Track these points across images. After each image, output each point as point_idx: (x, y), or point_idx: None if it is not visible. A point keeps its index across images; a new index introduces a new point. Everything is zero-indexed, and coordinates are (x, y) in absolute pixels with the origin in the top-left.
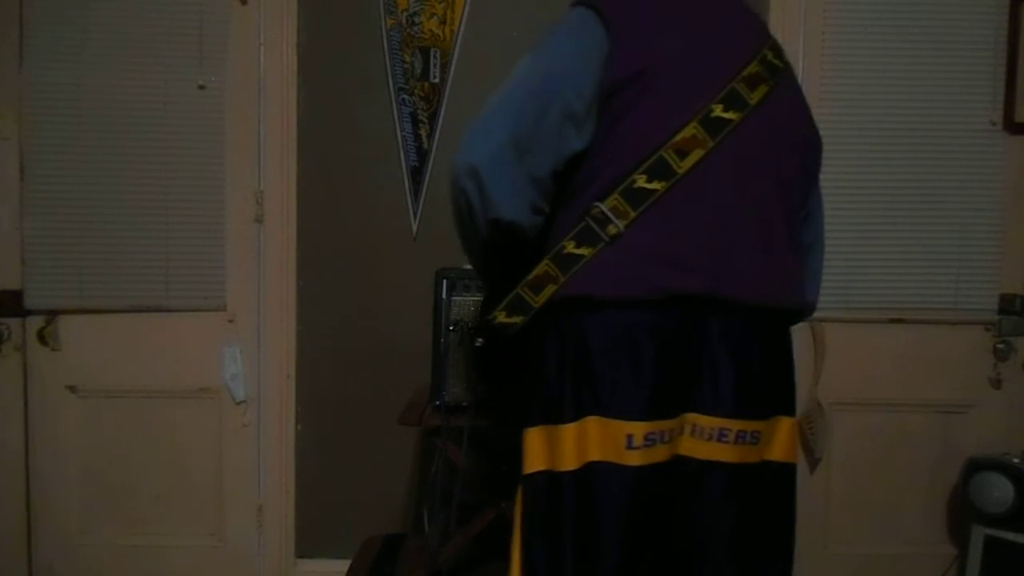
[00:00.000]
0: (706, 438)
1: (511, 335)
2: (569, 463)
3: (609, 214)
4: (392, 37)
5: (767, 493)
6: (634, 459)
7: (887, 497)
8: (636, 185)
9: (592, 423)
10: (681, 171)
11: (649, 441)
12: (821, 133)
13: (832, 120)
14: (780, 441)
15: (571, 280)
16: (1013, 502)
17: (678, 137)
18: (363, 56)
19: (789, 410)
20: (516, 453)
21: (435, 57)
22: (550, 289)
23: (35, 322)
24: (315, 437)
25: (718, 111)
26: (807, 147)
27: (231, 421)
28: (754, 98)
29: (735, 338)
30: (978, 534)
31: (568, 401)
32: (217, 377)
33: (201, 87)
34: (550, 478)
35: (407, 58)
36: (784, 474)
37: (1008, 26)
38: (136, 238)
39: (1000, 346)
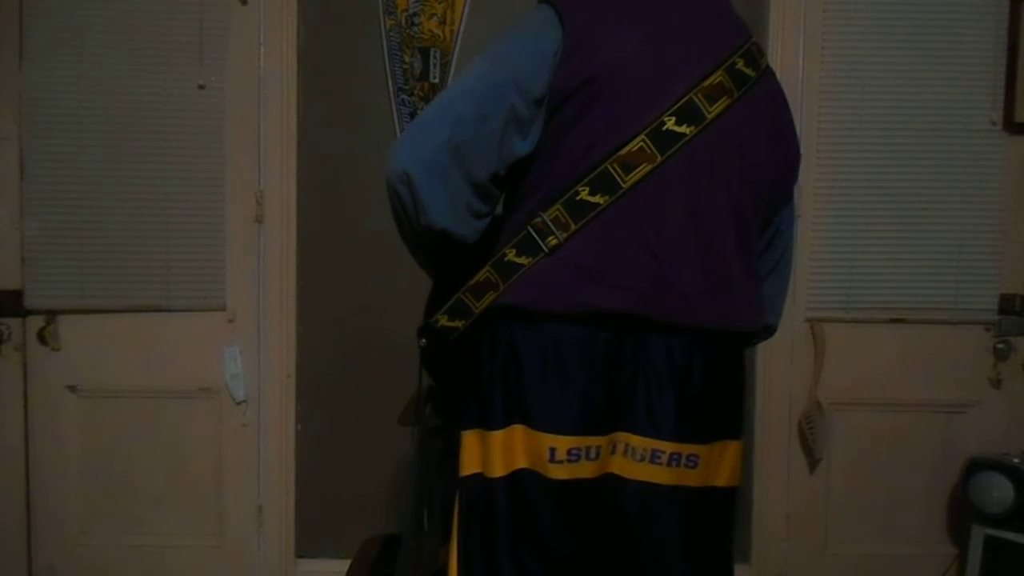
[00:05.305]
0: (638, 459)
1: (452, 339)
2: (499, 469)
3: (551, 225)
4: (392, 37)
5: (706, 516)
6: (557, 472)
7: (887, 497)
8: (579, 197)
9: (518, 431)
10: (626, 186)
11: (573, 456)
12: (820, 134)
13: (832, 120)
14: (725, 467)
15: (509, 289)
16: (1013, 502)
17: (624, 150)
18: (363, 56)
19: (736, 433)
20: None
21: (435, 57)
22: (490, 296)
23: (35, 322)
24: (315, 437)
25: (670, 124)
26: (775, 164)
27: (231, 421)
28: (713, 111)
29: (676, 359)
30: (978, 534)
31: (498, 408)
32: (217, 377)
33: (201, 87)
34: (483, 482)
35: (407, 58)
36: (726, 498)
37: (1008, 26)
38: (136, 238)
39: (1000, 346)
